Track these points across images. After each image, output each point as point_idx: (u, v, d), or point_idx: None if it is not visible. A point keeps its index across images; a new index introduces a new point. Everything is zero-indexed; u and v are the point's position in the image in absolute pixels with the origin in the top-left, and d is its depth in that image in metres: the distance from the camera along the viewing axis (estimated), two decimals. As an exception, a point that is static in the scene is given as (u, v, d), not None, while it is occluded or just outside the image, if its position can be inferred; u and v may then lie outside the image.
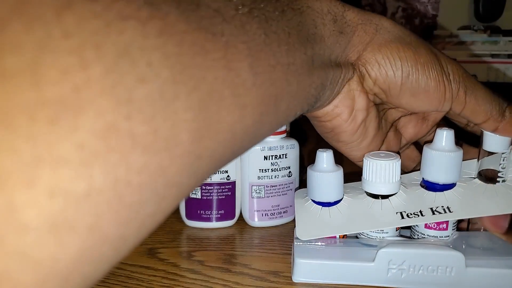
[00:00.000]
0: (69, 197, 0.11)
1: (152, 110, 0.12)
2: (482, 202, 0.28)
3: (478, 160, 0.30)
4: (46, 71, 0.10)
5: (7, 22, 0.10)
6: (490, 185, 0.29)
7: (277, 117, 0.19)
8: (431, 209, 0.28)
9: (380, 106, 0.29)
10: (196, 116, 0.14)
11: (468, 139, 0.32)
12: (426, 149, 0.29)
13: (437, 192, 0.29)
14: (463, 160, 0.29)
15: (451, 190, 0.29)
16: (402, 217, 0.28)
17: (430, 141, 0.30)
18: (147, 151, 0.12)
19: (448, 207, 0.28)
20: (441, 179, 0.29)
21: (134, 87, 0.12)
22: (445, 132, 0.29)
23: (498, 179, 0.29)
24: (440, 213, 0.28)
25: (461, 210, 0.28)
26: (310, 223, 0.29)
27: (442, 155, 0.28)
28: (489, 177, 0.29)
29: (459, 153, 0.28)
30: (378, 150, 0.30)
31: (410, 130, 0.31)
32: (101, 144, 0.11)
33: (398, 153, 0.30)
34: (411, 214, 0.28)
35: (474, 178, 0.30)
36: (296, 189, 0.38)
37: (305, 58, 0.20)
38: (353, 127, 0.27)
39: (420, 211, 0.28)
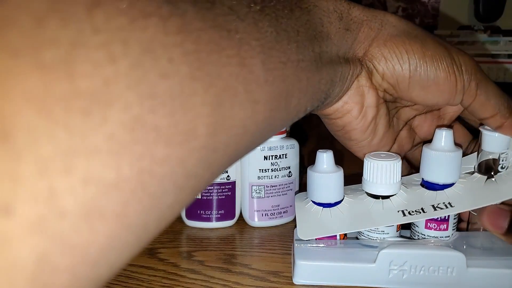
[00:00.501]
0: (100, 185, 0.11)
1: (173, 105, 0.13)
2: (483, 193, 0.28)
3: (477, 157, 0.30)
4: (79, 64, 0.11)
5: (44, 19, 0.11)
6: (490, 177, 0.29)
7: (288, 113, 0.20)
8: (433, 205, 0.28)
9: (392, 105, 0.29)
10: (212, 111, 0.14)
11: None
12: (425, 149, 0.29)
13: (438, 191, 0.29)
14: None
15: (452, 187, 0.29)
16: (404, 215, 0.28)
17: (430, 141, 0.30)
18: (169, 144, 0.13)
19: (449, 203, 0.28)
20: (440, 179, 0.29)
21: (157, 82, 0.12)
22: (444, 132, 0.28)
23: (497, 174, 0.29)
24: (441, 208, 0.28)
25: (463, 203, 0.28)
26: (311, 223, 0.29)
27: (441, 155, 0.28)
28: (488, 169, 0.29)
29: (459, 153, 0.28)
30: (390, 149, 0.30)
31: (425, 129, 0.32)
32: (128, 136, 0.12)
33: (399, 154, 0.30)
34: (412, 211, 0.28)
35: (474, 172, 0.30)
36: (296, 192, 0.38)
37: (313, 55, 0.21)
38: (364, 124, 0.27)
39: (422, 209, 0.28)
